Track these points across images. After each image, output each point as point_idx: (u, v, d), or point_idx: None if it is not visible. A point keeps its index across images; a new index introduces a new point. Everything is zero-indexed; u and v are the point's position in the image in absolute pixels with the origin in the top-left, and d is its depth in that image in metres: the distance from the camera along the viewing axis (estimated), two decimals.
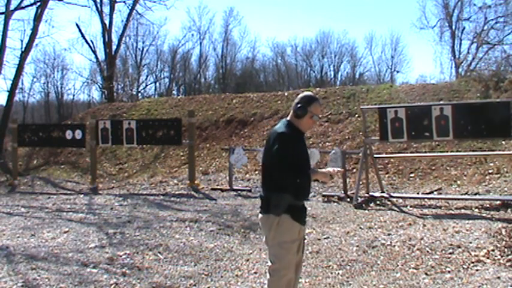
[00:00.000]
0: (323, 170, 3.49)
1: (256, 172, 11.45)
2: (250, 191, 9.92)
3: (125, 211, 8.34)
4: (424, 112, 7.96)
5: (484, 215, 7.04)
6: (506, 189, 8.30)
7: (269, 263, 3.26)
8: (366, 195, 8.53)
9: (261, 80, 43.49)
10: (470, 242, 5.46)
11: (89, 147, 12.09)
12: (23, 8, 18.49)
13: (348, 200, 8.56)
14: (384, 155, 10.07)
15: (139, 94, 36.60)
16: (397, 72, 41.38)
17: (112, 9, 23.82)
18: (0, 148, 16.53)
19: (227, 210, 8.13)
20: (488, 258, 4.89)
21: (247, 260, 5.29)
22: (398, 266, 4.90)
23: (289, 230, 3.18)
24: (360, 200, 8.22)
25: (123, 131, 11.10)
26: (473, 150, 9.75)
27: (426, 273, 4.62)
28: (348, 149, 10.93)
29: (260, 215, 3.30)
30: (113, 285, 4.60)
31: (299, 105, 3.26)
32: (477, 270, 4.62)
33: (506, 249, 5.07)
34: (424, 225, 6.44)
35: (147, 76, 40.70)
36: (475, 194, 8.28)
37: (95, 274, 4.91)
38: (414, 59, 60.21)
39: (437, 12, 31.80)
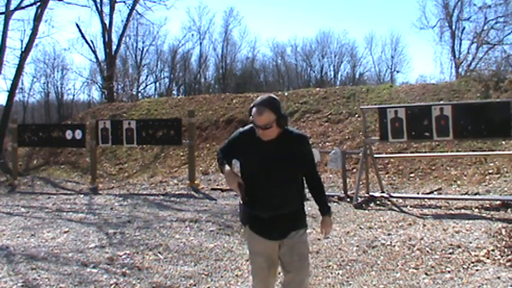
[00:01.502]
0: (237, 178, 2.99)
1: None
2: None
3: (125, 211, 8.34)
4: (424, 112, 7.96)
5: (484, 215, 7.03)
6: (506, 189, 8.29)
7: None
8: (366, 195, 8.53)
9: (261, 80, 43.51)
10: (470, 242, 5.46)
11: (89, 147, 12.09)
12: (23, 8, 18.50)
13: (348, 200, 8.55)
14: (384, 155, 10.06)
15: (139, 94, 36.65)
16: (397, 72, 41.46)
17: (112, 9, 23.85)
18: (0, 148, 16.53)
19: (227, 210, 8.13)
20: (488, 258, 4.89)
21: (247, 260, 5.28)
22: (398, 266, 4.90)
23: (249, 241, 3.10)
24: (360, 200, 8.22)
25: (123, 131, 11.10)
26: (473, 150, 9.75)
27: (426, 273, 4.62)
28: (348, 149, 10.93)
29: None
30: (112, 285, 4.60)
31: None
32: (477, 270, 4.61)
33: (506, 249, 5.07)
34: (424, 225, 6.44)
35: (147, 76, 40.75)
36: (475, 194, 8.28)
37: (95, 274, 4.91)
38: (414, 59, 60.35)
39: (437, 12, 31.82)
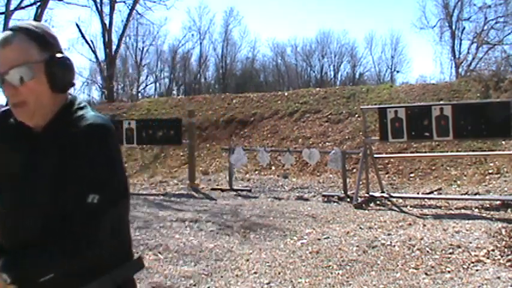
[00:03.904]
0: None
1: (256, 172, 11.45)
2: (250, 191, 9.92)
3: None
4: (424, 112, 7.96)
5: (484, 215, 7.03)
6: (506, 189, 8.30)
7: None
8: (366, 195, 8.53)
9: (261, 80, 43.55)
10: (470, 242, 5.46)
11: None
12: (23, 8, 18.54)
13: (348, 200, 8.56)
14: (384, 155, 10.07)
15: (139, 94, 36.72)
16: (397, 72, 41.51)
17: (112, 9, 23.87)
18: None
19: (227, 210, 8.13)
20: (488, 258, 4.89)
21: (247, 260, 5.29)
22: (398, 266, 4.90)
23: None
24: (360, 200, 8.22)
25: (123, 131, 11.09)
26: (473, 150, 9.75)
27: (426, 273, 4.62)
28: (348, 149, 10.93)
29: None
30: None
31: None
32: (477, 270, 4.61)
33: (506, 249, 5.07)
34: (424, 225, 6.44)
35: (147, 76, 40.83)
36: (475, 194, 8.28)
37: None
38: (414, 59, 60.45)
39: (437, 12, 31.83)
